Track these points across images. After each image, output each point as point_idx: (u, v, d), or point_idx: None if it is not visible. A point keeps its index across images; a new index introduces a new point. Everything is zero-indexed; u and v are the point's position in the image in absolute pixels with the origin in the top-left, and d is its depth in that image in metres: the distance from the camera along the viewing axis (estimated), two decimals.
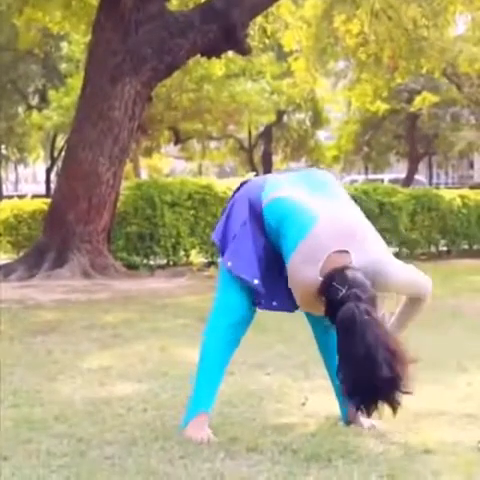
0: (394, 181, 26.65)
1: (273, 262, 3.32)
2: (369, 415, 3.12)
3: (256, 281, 3.30)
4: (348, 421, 3.49)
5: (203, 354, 3.41)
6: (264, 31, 15.58)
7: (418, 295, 3.36)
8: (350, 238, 3.20)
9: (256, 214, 3.33)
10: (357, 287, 3.07)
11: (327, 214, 3.24)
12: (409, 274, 3.35)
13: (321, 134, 34.90)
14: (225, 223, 3.45)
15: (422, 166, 38.63)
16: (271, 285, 3.34)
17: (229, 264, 3.35)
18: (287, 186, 3.36)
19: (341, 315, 3.03)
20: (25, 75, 27.88)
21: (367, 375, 2.95)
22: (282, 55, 22.02)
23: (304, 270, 3.16)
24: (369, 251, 3.22)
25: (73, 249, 11.14)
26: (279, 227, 3.28)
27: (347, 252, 3.17)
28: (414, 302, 3.39)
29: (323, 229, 3.19)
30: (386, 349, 2.96)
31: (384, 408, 3.06)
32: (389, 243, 14.30)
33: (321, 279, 3.12)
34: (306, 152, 33.18)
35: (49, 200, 12.94)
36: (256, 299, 3.37)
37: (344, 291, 3.05)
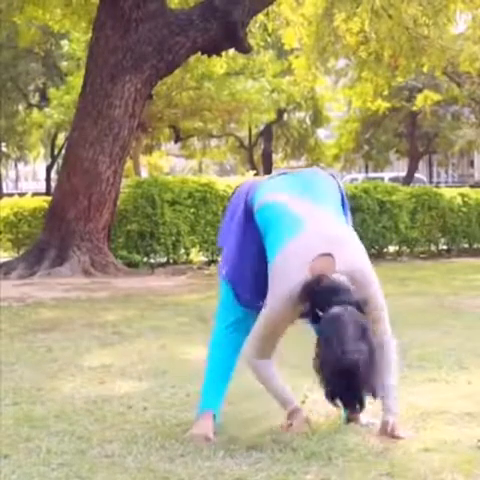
0: (394, 179, 26.67)
1: (265, 270, 3.33)
2: (353, 410, 3.23)
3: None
4: (348, 419, 3.49)
5: (208, 356, 3.56)
6: (265, 29, 15.56)
7: (379, 317, 3.32)
8: (336, 244, 3.22)
9: (249, 217, 3.41)
10: (343, 292, 3.08)
11: (315, 219, 3.29)
12: (380, 292, 3.35)
13: (321, 132, 34.89)
14: (225, 227, 3.57)
15: (422, 164, 38.61)
16: (258, 289, 3.37)
17: (223, 272, 3.53)
18: (278, 191, 3.41)
19: (328, 317, 3.02)
20: (25, 73, 27.83)
21: (342, 371, 2.93)
22: (283, 53, 22.00)
23: (289, 270, 3.18)
24: (353, 260, 3.24)
25: (73, 247, 11.14)
26: (268, 230, 3.33)
27: (332, 257, 3.18)
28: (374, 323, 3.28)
29: (311, 232, 3.23)
30: (365, 351, 2.95)
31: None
32: (389, 241, 14.37)
33: (307, 280, 3.12)
34: (306, 150, 33.19)
35: (49, 198, 12.94)
36: (242, 303, 3.48)
37: (331, 294, 3.06)
